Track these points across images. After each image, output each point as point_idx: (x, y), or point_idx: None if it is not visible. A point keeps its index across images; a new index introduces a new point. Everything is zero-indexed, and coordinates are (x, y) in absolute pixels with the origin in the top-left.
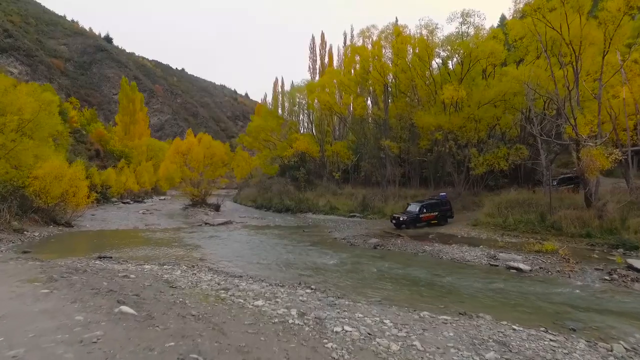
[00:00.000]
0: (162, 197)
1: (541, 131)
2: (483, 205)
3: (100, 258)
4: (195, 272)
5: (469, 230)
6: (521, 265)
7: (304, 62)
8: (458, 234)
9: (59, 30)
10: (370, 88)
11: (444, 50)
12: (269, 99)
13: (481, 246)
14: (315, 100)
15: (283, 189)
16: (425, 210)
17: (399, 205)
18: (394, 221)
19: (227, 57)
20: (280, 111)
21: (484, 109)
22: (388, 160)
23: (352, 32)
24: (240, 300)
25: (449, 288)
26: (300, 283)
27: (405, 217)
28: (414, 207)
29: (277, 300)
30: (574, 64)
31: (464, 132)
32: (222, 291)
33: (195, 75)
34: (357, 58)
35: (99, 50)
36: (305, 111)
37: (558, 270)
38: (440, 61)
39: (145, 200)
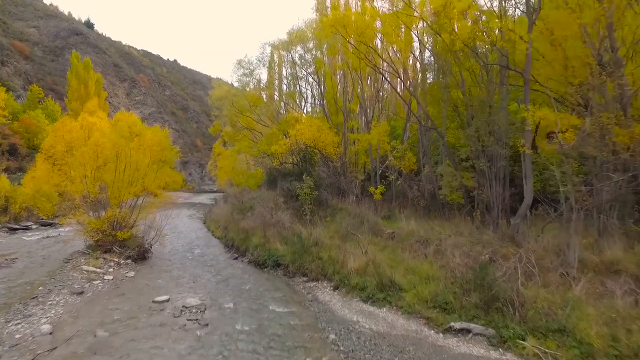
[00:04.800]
0: None
1: None
2: None
3: None
4: None
5: None
6: None
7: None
8: None
9: (30, 12)
10: None
11: None
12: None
13: None
14: (326, 59)
15: (271, 218)
16: None
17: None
18: None
19: (226, 51)
20: (276, 83)
21: None
22: (527, 160)
23: None
24: None
25: None
26: None
27: None
28: None
29: None
30: None
31: None
32: None
33: (188, 67)
34: None
35: (74, 34)
36: (312, 78)
37: None
38: None
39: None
